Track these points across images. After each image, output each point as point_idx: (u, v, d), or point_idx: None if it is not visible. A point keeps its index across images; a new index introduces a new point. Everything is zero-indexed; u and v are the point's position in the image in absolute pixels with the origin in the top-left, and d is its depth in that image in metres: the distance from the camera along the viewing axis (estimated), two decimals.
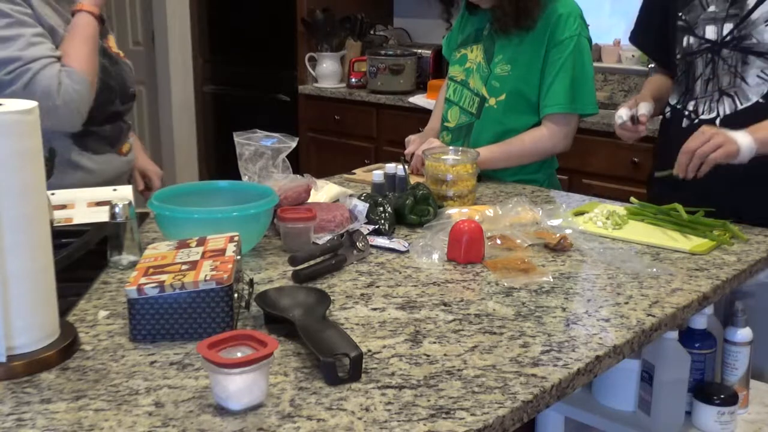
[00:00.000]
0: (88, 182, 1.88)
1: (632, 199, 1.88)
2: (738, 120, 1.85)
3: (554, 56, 2.07)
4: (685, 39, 1.95)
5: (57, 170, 1.86)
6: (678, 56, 1.99)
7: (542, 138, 2.12)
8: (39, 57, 1.72)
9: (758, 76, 1.83)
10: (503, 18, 2.09)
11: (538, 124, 2.14)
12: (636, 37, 2.21)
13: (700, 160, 1.70)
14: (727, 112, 1.88)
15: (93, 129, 1.91)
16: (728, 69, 1.86)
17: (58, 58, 1.76)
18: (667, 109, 2.03)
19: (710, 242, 1.67)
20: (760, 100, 1.83)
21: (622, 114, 1.97)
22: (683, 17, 1.95)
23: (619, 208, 1.89)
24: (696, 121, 1.93)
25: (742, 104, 1.86)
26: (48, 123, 1.69)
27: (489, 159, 2.06)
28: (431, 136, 2.27)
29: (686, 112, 1.96)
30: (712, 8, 1.88)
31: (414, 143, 2.22)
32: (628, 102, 2.03)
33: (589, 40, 2.13)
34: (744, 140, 1.70)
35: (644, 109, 1.97)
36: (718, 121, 1.89)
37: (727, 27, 1.85)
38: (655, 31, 2.06)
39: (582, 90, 2.09)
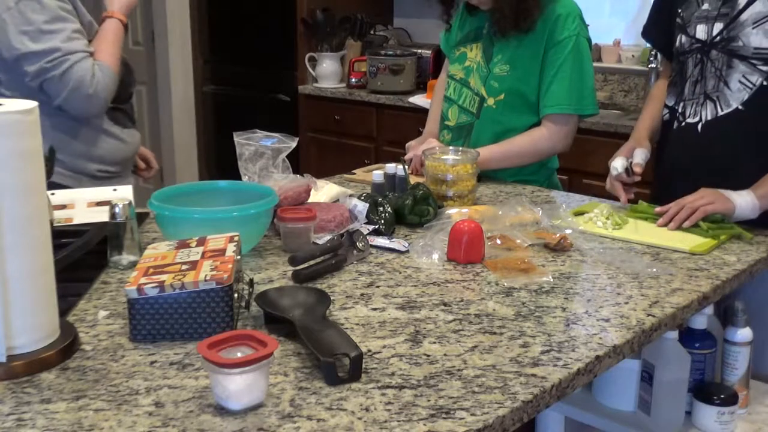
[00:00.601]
0: (121, 150, 2.17)
1: (641, 202, 1.88)
2: (718, 126, 1.84)
3: (553, 56, 2.07)
4: (678, 37, 1.95)
5: (89, 142, 2.12)
6: (673, 55, 1.99)
7: (542, 138, 2.12)
8: (77, 50, 1.98)
9: (740, 82, 1.81)
10: (502, 20, 2.08)
11: (537, 124, 2.14)
12: (647, 32, 2.20)
13: (690, 210, 1.73)
14: (709, 117, 1.86)
15: (120, 107, 2.19)
16: (714, 72, 1.85)
17: (91, 54, 2.02)
18: (665, 110, 2.02)
19: (710, 242, 1.67)
20: (740, 107, 1.81)
21: (617, 165, 1.93)
22: (681, 13, 1.94)
23: (620, 208, 1.89)
24: (683, 123, 1.92)
25: (722, 110, 1.84)
26: (77, 109, 2.05)
27: (488, 159, 2.06)
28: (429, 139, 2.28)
29: (677, 114, 1.96)
30: (705, 6, 1.87)
31: (414, 148, 2.22)
32: (624, 148, 1.99)
33: (589, 40, 2.12)
34: (743, 200, 1.73)
35: (639, 157, 1.94)
36: (699, 127, 1.88)
37: (717, 27, 1.84)
38: (665, 26, 2.04)
39: (581, 90, 2.08)
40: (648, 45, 3.72)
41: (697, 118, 1.88)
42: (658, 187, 2.07)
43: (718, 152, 1.85)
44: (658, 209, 1.80)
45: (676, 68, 1.98)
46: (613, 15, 3.91)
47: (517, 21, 2.06)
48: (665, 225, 1.76)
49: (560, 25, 2.06)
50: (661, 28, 2.07)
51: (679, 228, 1.74)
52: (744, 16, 1.79)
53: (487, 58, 2.17)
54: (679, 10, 1.95)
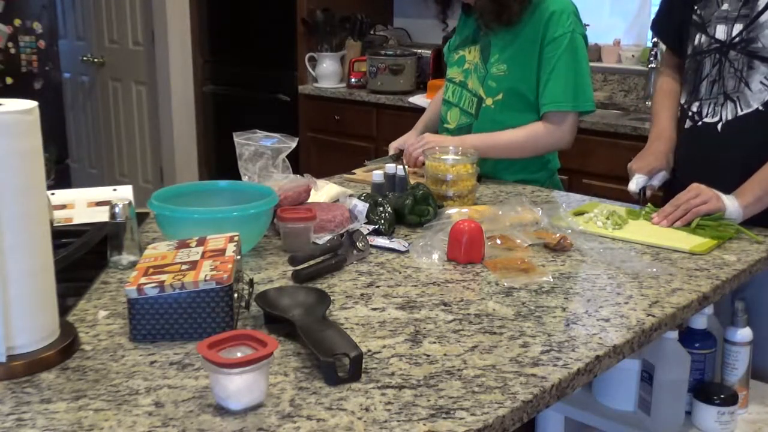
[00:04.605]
0: None
1: (649, 205, 1.88)
2: (737, 126, 1.85)
3: (549, 54, 2.07)
4: (696, 36, 1.94)
5: None
6: (689, 53, 1.98)
7: (538, 134, 2.11)
8: None
9: (761, 83, 1.81)
10: (485, 14, 2.10)
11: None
12: (657, 25, 2.20)
13: (684, 211, 1.76)
14: (729, 117, 1.87)
15: None
16: (734, 72, 1.85)
17: None
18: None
19: (710, 242, 1.67)
20: (760, 108, 1.82)
21: (633, 187, 1.96)
22: (699, 12, 1.94)
23: (620, 208, 1.89)
24: (699, 123, 1.92)
25: (742, 110, 1.84)
26: None
27: (477, 149, 2.03)
28: (421, 132, 2.29)
29: (690, 113, 1.96)
30: (725, 6, 1.87)
31: (399, 143, 2.25)
32: (648, 159, 1.98)
33: (584, 37, 2.11)
34: (731, 204, 1.75)
35: (658, 180, 1.97)
36: (719, 126, 1.88)
37: (737, 28, 1.84)
38: (676, 21, 2.03)
39: (577, 87, 2.08)
40: (649, 45, 3.74)
41: (716, 118, 1.89)
42: (671, 188, 2.05)
43: (738, 152, 1.86)
44: (654, 214, 1.81)
45: (691, 67, 1.97)
46: (613, 15, 3.91)
47: (499, 14, 2.07)
48: (659, 223, 1.78)
49: (554, 22, 2.06)
50: (672, 23, 2.05)
51: (671, 226, 1.75)
52: (764, 18, 1.79)
53: (484, 58, 2.17)
54: (697, 8, 1.94)
